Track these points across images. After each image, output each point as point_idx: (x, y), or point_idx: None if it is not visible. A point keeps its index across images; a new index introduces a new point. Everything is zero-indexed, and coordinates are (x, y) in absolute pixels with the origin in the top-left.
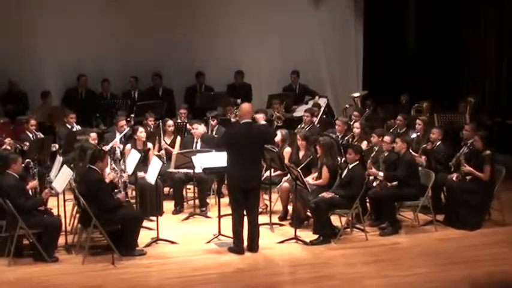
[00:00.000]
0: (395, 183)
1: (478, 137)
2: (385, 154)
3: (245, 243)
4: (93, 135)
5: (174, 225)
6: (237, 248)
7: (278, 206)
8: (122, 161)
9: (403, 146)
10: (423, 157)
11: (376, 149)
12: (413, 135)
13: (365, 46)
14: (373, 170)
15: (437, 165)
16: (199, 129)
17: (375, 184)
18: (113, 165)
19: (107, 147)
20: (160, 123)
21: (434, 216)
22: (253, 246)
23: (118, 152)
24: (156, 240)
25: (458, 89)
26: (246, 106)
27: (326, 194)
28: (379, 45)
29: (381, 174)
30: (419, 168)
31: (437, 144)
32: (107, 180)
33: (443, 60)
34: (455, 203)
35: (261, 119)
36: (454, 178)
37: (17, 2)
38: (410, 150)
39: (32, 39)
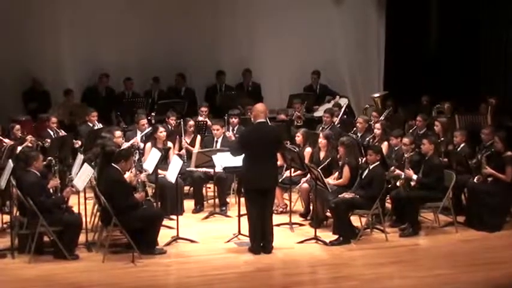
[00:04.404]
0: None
1: (498, 138)
2: (407, 155)
3: None
4: (118, 133)
5: (194, 224)
6: (253, 248)
7: (298, 206)
8: (140, 160)
9: (431, 148)
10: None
11: (396, 149)
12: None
13: (386, 46)
14: (410, 171)
15: (458, 167)
16: (220, 130)
17: (398, 183)
18: (133, 166)
19: (126, 145)
20: (182, 123)
21: (454, 218)
22: (267, 247)
23: (136, 151)
24: (176, 239)
25: (479, 90)
26: (259, 106)
27: (346, 195)
28: (400, 45)
29: (415, 177)
30: None
31: (461, 146)
32: (128, 180)
33: (465, 61)
34: (476, 205)
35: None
36: (475, 180)
37: (40, 1)
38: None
39: (55, 38)
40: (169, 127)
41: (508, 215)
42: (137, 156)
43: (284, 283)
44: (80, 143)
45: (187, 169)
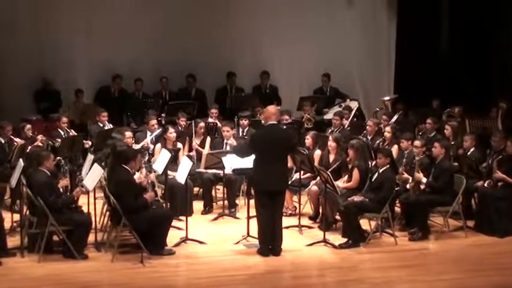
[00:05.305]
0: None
1: (510, 142)
2: (417, 158)
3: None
4: (129, 134)
5: (203, 226)
6: (261, 250)
7: (307, 209)
8: (150, 160)
9: (442, 152)
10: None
11: (407, 153)
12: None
13: (397, 49)
14: (420, 174)
15: (468, 171)
16: (230, 132)
17: (408, 186)
18: (143, 166)
19: (137, 146)
20: (193, 124)
21: (464, 222)
22: (275, 249)
23: (146, 152)
24: (185, 240)
25: (490, 94)
26: (271, 108)
27: (356, 198)
28: (411, 48)
29: (424, 180)
30: None
31: (471, 150)
32: (137, 181)
33: (476, 65)
34: (486, 209)
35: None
36: (485, 184)
37: (51, 1)
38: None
39: (66, 38)
40: (180, 128)
41: None
42: (147, 157)
43: (292, 285)
44: (90, 143)
45: (197, 170)
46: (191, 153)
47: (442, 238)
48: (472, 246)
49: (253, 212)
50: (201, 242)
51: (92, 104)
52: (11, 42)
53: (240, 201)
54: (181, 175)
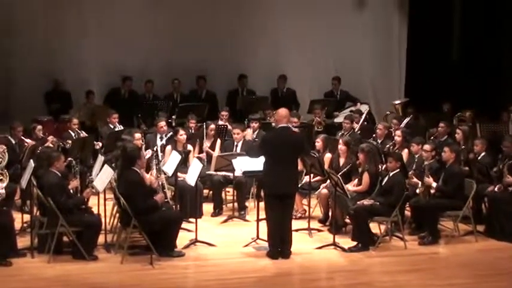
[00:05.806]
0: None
1: None
2: (427, 162)
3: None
4: (138, 135)
5: (212, 228)
6: (271, 253)
7: (317, 212)
8: (159, 162)
9: (452, 156)
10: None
11: (417, 157)
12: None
13: (408, 53)
14: (430, 179)
15: (479, 175)
16: (240, 134)
17: (418, 191)
18: (154, 169)
19: (147, 155)
20: (204, 126)
21: (474, 227)
22: (285, 252)
23: (159, 154)
24: (195, 242)
25: (501, 98)
26: (282, 111)
27: (366, 201)
28: (422, 52)
29: (434, 184)
30: None
31: (482, 155)
32: (147, 182)
33: (487, 69)
34: (496, 214)
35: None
36: (496, 189)
37: (62, 2)
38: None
39: (77, 39)
40: (190, 130)
41: None
42: (155, 161)
43: None
44: (100, 144)
45: (207, 172)
46: (201, 155)
47: (452, 242)
48: (482, 251)
49: (262, 215)
50: (210, 244)
51: (102, 106)
52: (20, 43)
53: (250, 203)
54: (191, 177)
